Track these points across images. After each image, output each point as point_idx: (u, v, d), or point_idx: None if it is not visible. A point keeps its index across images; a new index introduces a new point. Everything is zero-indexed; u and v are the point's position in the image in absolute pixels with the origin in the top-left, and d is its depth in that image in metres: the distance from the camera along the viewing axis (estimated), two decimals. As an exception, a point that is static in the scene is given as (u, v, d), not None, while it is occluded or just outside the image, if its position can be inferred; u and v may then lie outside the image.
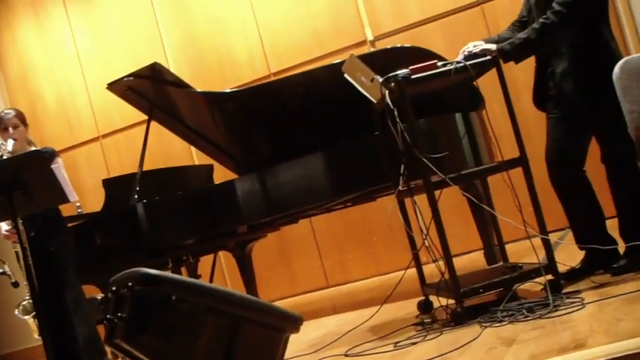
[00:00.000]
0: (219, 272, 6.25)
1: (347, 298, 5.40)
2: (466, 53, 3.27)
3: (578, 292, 3.04)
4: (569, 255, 3.63)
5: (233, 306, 2.34)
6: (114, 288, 2.36)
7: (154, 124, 4.50)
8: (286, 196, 4.04)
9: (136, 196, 4.10)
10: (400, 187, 3.27)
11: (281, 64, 6.39)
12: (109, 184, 4.58)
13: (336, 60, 4.02)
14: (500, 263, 3.74)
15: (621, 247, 3.32)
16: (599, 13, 3.28)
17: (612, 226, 3.38)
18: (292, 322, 2.45)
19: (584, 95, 3.23)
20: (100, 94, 5.87)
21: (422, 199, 3.26)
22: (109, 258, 4.10)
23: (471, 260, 4.96)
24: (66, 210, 4.31)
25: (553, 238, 3.40)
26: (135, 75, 4.31)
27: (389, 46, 4.39)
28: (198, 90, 4.40)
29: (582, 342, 2.25)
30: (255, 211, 4.12)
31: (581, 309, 2.73)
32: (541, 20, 3.19)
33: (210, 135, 4.70)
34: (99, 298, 4.27)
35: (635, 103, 2.86)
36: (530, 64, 3.49)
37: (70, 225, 4.33)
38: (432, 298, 3.48)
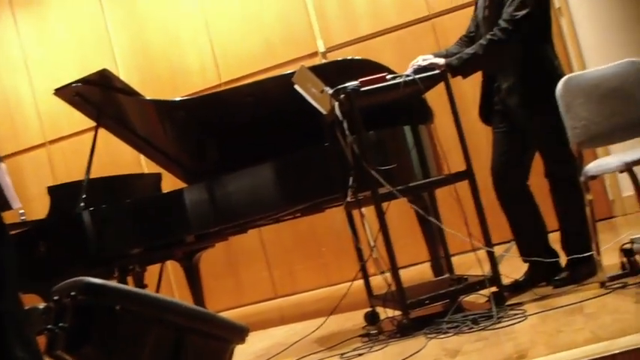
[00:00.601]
0: (166, 282, 6.19)
1: (295, 309, 5.39)
2: (415, 67, 3.30)
3: (521, 304, 3.09)
4: (514, 267, 3.69)
5: (178, 316, 2.32)
6: (56, 297, 2.31)
7: (102, 131, 4.45)
8: (235, 205, 4.03)
9: (83, 204, 4.03)
10: (348, 199, 3.29)
11: (232, 74, 6.38)
12: (54, 191, 4.49)
13: (288, 70, 4.02)
14: (447, 275, 3.79)
15: (563, 260, 3.40)
16: (543, 32, 3.37)
17: (555, 239, 3.45)
18: (238, 332, 2.43)
19: (529, 111, 3.30)
20: (48, 99, 5.78)
21: (371, 211, 3.29)
22: (52, 266, 4.02)
23: (418, 272, 5.00)
24: (8, 217, 4.21)
25: (498, 250, 3.46)
26: (83, 81, 4.24)
27: (339, 58, 4.40)
28: (148, 98, 4.36)
29: (524, 353, 2.29)
30: (203, 221, 4.09)
31: (523, 321, 2.78)
32: (488, 36, 3.25)
33: (159, 143, 4.66)
34: (41, 307, 4.18)
35: (577, 119, 2.94)
36: (478, 78, 3.56)
37: (12, 232, 4.24)
38: (379, 309, 3.51)
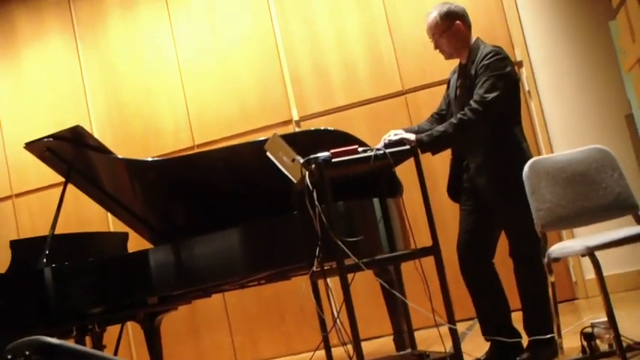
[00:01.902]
0: (125, 343, 6.08)
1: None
2: (386, 141, 3.35)
3: (481, 383, 3.08)
4: (476, 345, 3.69)
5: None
6: (9, 356, 2.25)
7: (70, 187, 4.42)
8: (200, 269, 3.99)
9: (45, 260, 3.97)
10: (314, 268, 3.28)
11: (206, 137, 6.42)
12: (16, 245, 4.42)
13: (262, 136, 4.05)
14: (409, 350, 3.77)
15: (525, 340, 3.40)
16: (513, 114, 3.46)
17: (517, 319, 3.46)
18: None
19: (496, 191, 3.36)
20: (17, 151, 5.74)
21: (336, 281, 3.28)
22: (8, 323, 3.93)
23: (380, 345, 4.97)
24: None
25: (461, 327, 3.45)
26: (55, 137, 4.23)
27: (312, 128, 4.47)
28: (120, 157, 4.35)
29: None
30: (167, 283, 4.04)
31: (483, 400, 2.77)
32: (459, 116, 3.32)
33: (127, 202, 4.63)
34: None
35: (542, 201, 2.99)
36: (448, 155, 3.62)
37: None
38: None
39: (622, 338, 2.71)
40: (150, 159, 4.45)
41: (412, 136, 3.32)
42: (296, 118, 6.26)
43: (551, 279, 3.00)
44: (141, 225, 4.72)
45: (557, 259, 2.94)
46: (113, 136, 6.58)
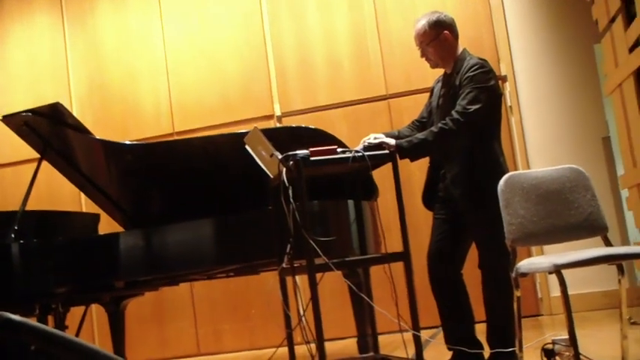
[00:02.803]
0: (88, 325, 6.03)
1: (216, 369, 5.30)
2: (366, 144, 3.35)
3: (440, 391, 3.10)
4: (439, 353, 3.71)
5: (94, 364, 2.26)
6: (-30, 330, 2.24)
7: (45, 164, 4.38)
8: (170, 257, 3.98)
9: (13, 235, 3.94)
10: (284, 265, 3.28)
11: (186, 125, 6.40)
12: (-15, 218, 4.38)
13: (242, 129, 4.05)
14: (371, 354, 3.78)
15: (487, 352, 3.43)
16: (492, 128, 3.48)
17: (481, 330, 3.49)
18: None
19: (470, 202, 3.39)
20: (-6, 124, 5.68)
21: (305, 279, 3.28)
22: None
23: (344, 346, 4.98)
24: None
25: (425, 335, 3.47)
26: (34, 112, 4.19)
27: (294, 125, 4.48)
28: (98, 137, 4.32)
29: None
30: (135, 268, 4.02)
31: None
32: (440, 125, 3.33)
33: (102, 184, 4.60)
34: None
35: (514, 216, 3.02)
36: (426, 162, 3.64)
37: None
38: (300, 379, 3.47)
39: (581, 356, 2.74)
40: (128, 142, 4.42)
41: (392, 142, 3.32)
42: (278, 113, 6.26)
43: (517, 293, 3.02)
44: (114, 208, 4.69)
45: (524, 274, 2.97)
46: (93, 117, 6.53)
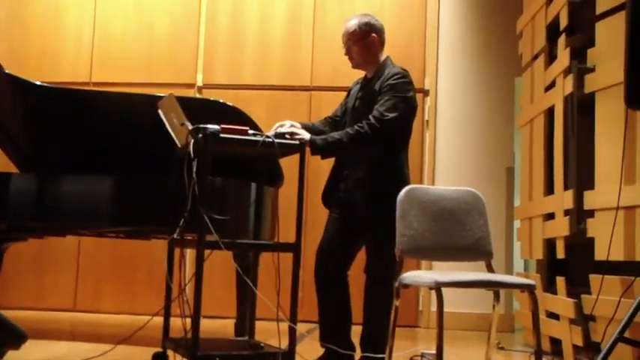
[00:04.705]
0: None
1: (89, 328, 5.18)
2: (279, 130, 3.35)
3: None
4: (312, 348, 3.75)
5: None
6: None
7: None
8: (62, 206, 3.88)
9: None
10: (175, 236, 3.25)
11: (104, 76, 6.24)
12: None
13: (160, 92, 3.96)
14: (246, 338, 3.79)
15: (357, 355, 3.49)
16: (403, 138, 3.55)
17: (356, 333, 3.55)
18: (13, 337, 2.31)
19: (369, 207, 3.44)
20: None
21: (194, 253, 3.25)
22: None
23: (222, 326, 4.97)
24: None
25: (302, 328, 3.50)
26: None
27: (212, 98, 4.41)
28: (7, 71, 4.15)
29: None
30: (22, 212, 3.90)
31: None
32: (356, 127, 3.36)
33: (3, 120, 4.43)
34: None
35: (408, 228, 3.08)
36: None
37: None
38: (170, 352, 3.44)
39: (444, 373, 2.82)
40: (39, 83, 4.26)
41: (307, 136, 3.31)
42: (200, 83, 6.19)
43: (396, 303, 3.09)
44: (11, 146, 4.52)
45: (407, 286, 3.04)
46: (8, 49, 6.28)
